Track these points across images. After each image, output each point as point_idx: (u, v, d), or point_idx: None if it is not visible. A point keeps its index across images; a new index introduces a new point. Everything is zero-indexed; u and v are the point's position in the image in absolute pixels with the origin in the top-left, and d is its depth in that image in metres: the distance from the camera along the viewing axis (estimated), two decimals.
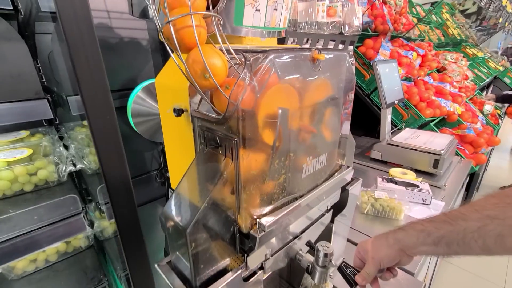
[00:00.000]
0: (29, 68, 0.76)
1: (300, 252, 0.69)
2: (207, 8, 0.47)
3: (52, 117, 0.82)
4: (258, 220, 0.51)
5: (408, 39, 2.76)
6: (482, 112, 2.83)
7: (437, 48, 3.44)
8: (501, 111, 3.26)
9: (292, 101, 0.51)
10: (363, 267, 0.60)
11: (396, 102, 1.84)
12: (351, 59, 0.65)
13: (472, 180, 2.16)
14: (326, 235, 0.80)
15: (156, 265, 0.56)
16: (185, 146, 0.57)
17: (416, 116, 2.04)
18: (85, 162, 0.93)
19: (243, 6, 0.54)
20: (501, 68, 4.64)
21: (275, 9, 0.59)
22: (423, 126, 2.11)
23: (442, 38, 3.68)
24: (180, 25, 0.41)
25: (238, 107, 0.41)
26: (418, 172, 1.59)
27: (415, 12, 3.23)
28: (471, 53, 4.14)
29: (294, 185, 0.58)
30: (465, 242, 0.47)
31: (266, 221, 0.51)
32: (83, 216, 0.91)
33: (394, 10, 2.63)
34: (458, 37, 3.99)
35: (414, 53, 2.49)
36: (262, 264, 0.59)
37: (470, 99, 3.02)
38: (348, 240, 1.08)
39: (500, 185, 3.46)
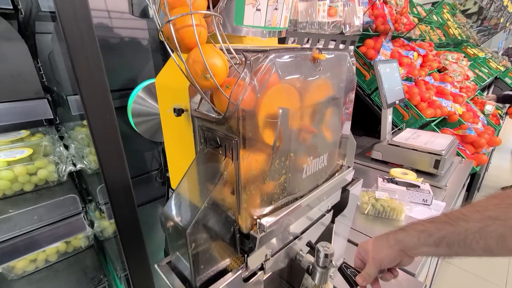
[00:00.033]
0: (29, 67, 0.76)
1: (301, 252, 0.69)
2: (208, 8, 0.47)
3: (52, 117, 0.82)
4: (258, 220, 0.51)
5: (409, 39, 2.76)
6: (483, 112, 2.83)
7: (438, 48, 3.44)
8: (502, 112, 3.25)
9: (293, 101, 0.51)
10: (363, 267, 0.60)
11: (397, 102, 1.84)
12: (352, 59, 0.65)
13: (473, 181, 2.15)
14: (326, 236, 0.80)
15: (156, 266, 0.56)
16: (185, 146, 0.57)
17: (417, 116, 2.04)
18: (85, 162, 0.93)
19: (244, 5, 0.54)
20: (502, 68, 4.63)
21: (276, 9, 0.59)
22: (424, 126, 2.11)
23: (443, 38, 3.68)
24: (180, 25, 0.41)
25: (238, 107, 0.41)
26: (419, 172, 1.59)
27: (416, 12, 3.22)
28: (472, 53, 4.13)
29: (294, 186, 0.57)
30: (466, 243, 0.46)
31: (266, 221, 0.51)
32: (83, 216, 0.90)
33: (395, 10, 2.63)
34: (459, 37, 3.98)
35: (415, 53, 2.49)
36: (262, 264, 0.58)
37: (471, 99, 3.01)
38: (349, 241, 1.08)
39: (501, 185, 3.46)
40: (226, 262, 0.53)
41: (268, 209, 0.53)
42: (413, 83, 2.42)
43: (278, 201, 0.55)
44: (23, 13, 0.83)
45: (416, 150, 1.61)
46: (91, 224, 1.05)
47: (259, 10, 0.56)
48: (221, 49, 0.45)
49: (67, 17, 0.47)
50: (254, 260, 0.55)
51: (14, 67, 0.74)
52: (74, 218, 0.88)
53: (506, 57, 5.87)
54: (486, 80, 3.74)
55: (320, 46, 0.54)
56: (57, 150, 0.92)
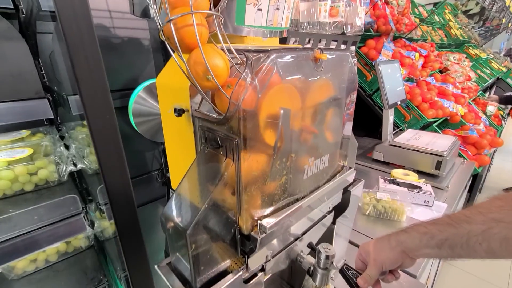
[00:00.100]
0: (29, 67, 0.76)
1: (301, 254, 0.68)
2: (209, 8, 0.47)
3: (53, 117, 0.82)
4: (259, 221, 0.51)
5: (411, 39, 2.75)
6: (485, 113, 2.82)
7: (440, 48, 3.43)
8: (504, 112, 3.24)
9: (294, 102, 0.51)
10: (365, 269, 0.60)
11: (398, 103, 1.83)
12: (353, 59, 0.64)
13: (475, 182, 2.14)
14: (327, 237, 0.80)
15: (156, 266, 0.56)
16: (185, 147, 0.57)
17: (418, 117, 2.03)
18: (85, 162, 0.93)
19: (245, 5, 0.54)
20: (504, 69, 4.62)
21: (277, 9, 0.59)
22: (425, 127, 2.10)
23: (445, 38, 3.67)
24: (181, 24, 0.41)
25: (239, 107, 0.41)
26: (420, 173, 1.58)
27: (417, 13, 3.22)
28: (474, 54, 4.12)
29: (295, 186, 0.57)
30: (469, 245, 0.46)
31: (267, 222, 0.50)
32: (83, 216, 0.90)
33: (397, 10, 2.62)
34: (461, 38, 3.98)
35: (417, 54, 2.48)
36: (263, 265, 0.58)
37: (473, 100, 3.00)
38: (350, 242, 1.08)
39: (503, 186, 3.44)
40: (226, 263, 0.53)
41: (269, 210, 0.53)
42: (415, 83, 2.42)
43: (279, 202, 0.55)
44: (24, 13, 0.83)
45: (418, 151, 1.61)
46: (92, 224, 1.05)
47: (261, 10, 0.56)
48: (222, 49, 0.44)
49: (67, 17, 0.47)
50: (254, 261, 0.55)
51: (14, 66, 0.74)
52: (75, 218, 0.88)
53: (508, 57, 5.85)
54: (488, 81, 3.73)
55: (322, 46, 0.54)
56: (57, 150, 0.91)
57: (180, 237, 0.46)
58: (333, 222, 0.79)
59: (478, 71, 3.75)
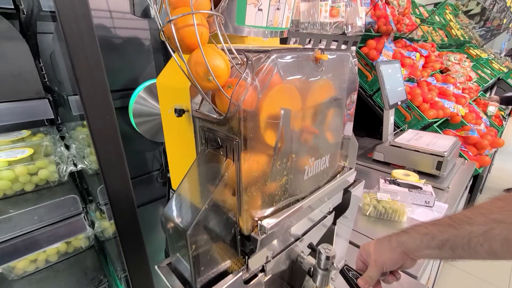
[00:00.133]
0: (30, 67, 0.76)
1: (302, 254, 0.68)
2: (210, 8, 0.47)
3: (53, 117, 0.81)
4: (259, 222, 0.51)
5: (411, 39, 2.75)
6: (485, 114, 2.81)
7: (441, 49, 3.43)
8: (505, 113, 3.24)
9: (295, 102, 0.50)
10: (365, 270, 0.59)
11: (399, 103, 1.83)
12: (354, 59, 0.64)
13: (476, 182, 2.14)
14: (328, 237, 0.80)
15: (156, 267, 0.56)
16: (186, 147, 0.57)
17: (419, 117, 2.03)
18: (86, 162, 0.93)
19: (245, 5, 0.54)
20: (505, 69, 4.61)
21: (278, 9, 0.59)
22: (426, 128, 2.10)
23: (446, 39, 3.67)
24: (181, 24, 0.41)
25: (239, 107, 0.41)
26: (421, 173, 1.58)
27: (418, 13, 3.22)
28: (475, 54, 4.12)
29: (296, 187, 0.57)
30: (470, 246, 0.46)
31: (267, 223, 0.50)
32: (84, 217, 0.90)
33: (397, 10, 2.62)
34: (462, 38, 3.97)
35: (417, 54, 2.48)
36: (263, 266, 0.58)
37: (474, 101, 3.00)
38: (350, 242, 1.07)
39: (504, 187, 3.43)
40: (226, 264, 0.53)
41: (269, 210, 0.53)
42: (415, 84, 2.41)
43: (280, 202, 0.54)
44: (25, 13, 0.83)
45: (418, 151, 1.60)
46: (92, 225, 1.05)
47: (261, 10, 0.56)
48: (223, 49, 0.44)
49: (67, 17, 0.47)
50: (255, 262, 0.54)
51: (15, 66, 0.74)
52: (75, 219, 0.88)
53: (509, 58, 5.84)
54: (488, 81, 3.72)
55: (322, 47, 0.54)
56: (58, 150, 0.91)
57: (180, 238, 0.46)
58: (334, 223, 0.79)
59: (479, 72, 3.74)
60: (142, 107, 0.91)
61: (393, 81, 1.79)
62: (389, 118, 1.82)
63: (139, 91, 0.89)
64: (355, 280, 0.60)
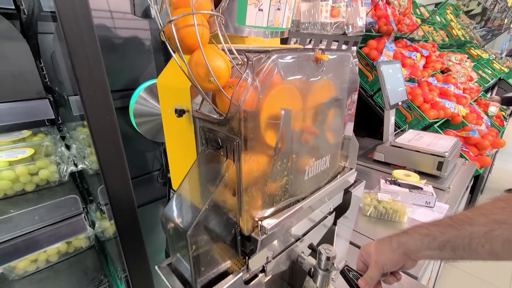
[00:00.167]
0: (30, 67, 0.76)
1: (302, 255, 0.68)
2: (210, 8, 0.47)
3: (54, 117, 0.82)
4: (259, 222, 0.50)
5: (412, 40, 2.75)
6: (486, 114, 2.81)
7: (441, 49, 3.42)
8: (506, 113, 3.23)
9: (295, 102, 0.50)
10: (366, 270, 0.59)
11: (400, 103, 1.83)
12: (355, 59, 0.64)
13: (477, 183, 2.13)
14: (328, 238, 0.79)
15: (156, 267, 0.56)
16: (186, 147, 0.57)
17: (419, 118, 2.03)
18: (86, 162, 0.93)
19: (246, 5, 0.54)
20: (506, 70, 4.60)
21: (278, 9, 0.59)
22: (426, 128, 2.10)
23: (446, 39, 3.66)
24: (182, 25, 0.41)
25: (240, 108, 0.41)
26: (422, 174, 1.58)
27: (419, 13, 3.21)
28: (476, 54, 4.11)
29: (296, 187, 0.57)
30: (471, 247, 0.46)
31: (268, 223, 0.50)
32: (84, 217, 0.90)
33: (398, 10, 2.62)
34: (463, 38, 3.96)
35: (418, 54, 2.48)
36: (263, 267, 0.58)
37: (475, 101, 2.99)
38: (351, 243, 1.07)
39: (505, 187, 3.43)
40: (227, 264, 0.53)
41: (269, 211, 0.53)
42: (416, 84, 2.41)
43: (280, 203, 0.54)
44: (26, 13, 0.83)
45: (419, 151, 1.60)
46: (92, 225, 1.05)
47: (262, 10, 0.56)
48: (223, 50, 0.44)
49: (67, 17, 0.47)
50: (255, 262, 0.54)
51: (15, 67, 0.74)
52: (75, 219, 0.88)
53: (510, 58, 5.83)
54: (489, 82, 3.71)
55: (323, 47, 0.54)
56: (58, 150, 0.91)
57: (181, 238, 0.46)
58: (334, 223, 0.79)
59: (480, 72, 3.73)
60: (143, 107, 0.91)
61: (393, 81, 1.78)
62: (390, 118, 1.82)
63: (140, 91, 0.89)
64: (355, 280, 0.60)
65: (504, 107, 3.20)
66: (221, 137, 0.46)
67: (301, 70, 0.49)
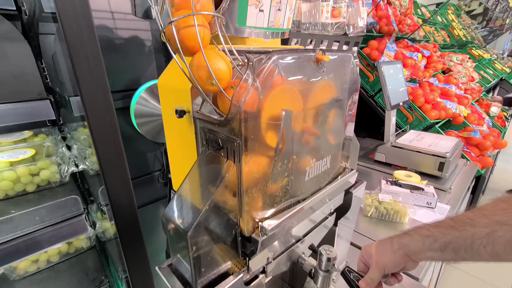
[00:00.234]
0: (31, 68, 0.76)
1: (303, 255, 0.68)
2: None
3: (55, 118, 0.82)
4: (260, 223, 0.50)
5: (413, 40, 2.74)
6: (488, 114, 2.80)
7: (443, 49, 3.41)
8: (507, 113, 3.22)
9: (296, 103, 0.50)
10: (367, 271, 0.59)
11: (401, 103, 1.82)
12: (356, 60, 0.64)
13: (478, 183, 2.13)
14: (329, 238, 0.79)
15: (156, 268, 0.56)
16: (187, 148, 0.57)
17: (421, 118, 2.02)
18: (87, 163, 0.93)
19: (246, 6, 0.54)
20: (508, 70, 4.59)
21: (279, 10, 0.59)
22: (428, 128, 2.09)
23: (448, 39, 3.65)
24: (182, 26, 0.41)
25: (240, 108, 0.41)
26: (423, 174, 1.57)
27: (420, 13, 3.20)
28: (477, 54, 4.10)
29: (297, 188, 0.57)
30: (473, 248, 0.45)
31: (268, 224, 0.50)
32: (85, 217, 0.90)
33: (399, 11, 2.61)
34: (464, 38, 3.95)
35: (419, 54, 2.47)
36: (264, 267, 0.58)
37: (476, 101, 2.98)
38: (352, 244, 1.07)
39: (507, 188, 3.42)
40: (227, 265, 0.53)
41: (270, 211, 0.53)
42: (417, 84, 2.40)
43: (280, 203, 0.54)
44: (27, 14, 0.84)
45: (420, 152, 1.60)
46: (93, 225, 1.05)
47: (262, 11, 0.56)
48: (224, 51, 0.44)
49: (67, 17, 0.47)
50: (255, 263, 0.54)
51: (16, 67, 0.74)
52: (76, 219, 0.88)
53: None
54: (491, 82, 3.70)
55: (324, 47, 0.53)
56: (59, 150, 0.92)
57: (181, 239, 0.46)
58: (335, 224, 0.79)
59: (481, 72, 3.72)
60: (144, 108, 0.91)
61: (394, 82, 1.78)
62: (391, 119, 1.81)
63: (141, 92, 0.89)
64: (356, 282, 0.60)
65: (506, 107, 3.18)
66: (221, 138, 0.46)
67: (301, 71, 0.49)
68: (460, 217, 0.49)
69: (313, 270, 0.65)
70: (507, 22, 4.49)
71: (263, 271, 0.58)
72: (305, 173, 0.58)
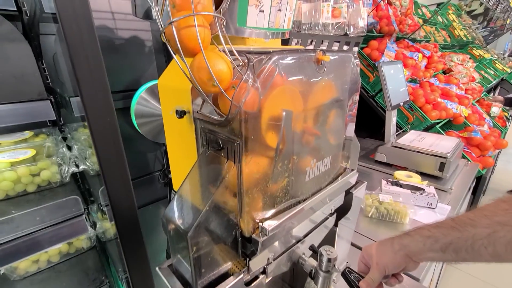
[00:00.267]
0: (32, 69, 0.76)
1: (303, 256, 0.68)
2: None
3: (55, 118, 0.82)
4: (260, 224, 0.50)
5: (414, 40, 2.74)
6: (489, 115, 2.79)
7: (443, 49, 3.41)
8: (508, 114, 3.21)
9: (296, 103, 0.50)
10: (367, 272, 0.59)
11: (401, 104, 1.82)
12: (356, 60, 0.64)
13: (479, 184, 2.12)
14: (329, 239, 0.79)
15: (157, 268, 0.56)
16: (187, 148, 0.56)
17: (421, 118, 2.02)
18: (87, 163, 0.93)
19: (247, 6, 0.54)
20: (508, 70, 4.58)
21: (279, 10, 0.59)
22: (428, 129, 2.09)
23: (448, 39, 3.65)
24: (183, 27, 0.41)
25: (241, 109, 0.41)
26: (424, 175, 1.57)
27: (420, 13, 3.20)
28: (478, 54, 4.09)
29: (297, 189, 0.57)
30: (474, 249, 0.45)
31: (268, 225, 0.50)
32: (85, 218, 0.90)
33: (400, 11, 2.61)
34: (465, 39, 3.95)
35: (420, 55, 2.47)
36: (264, 268, 0.58)
37: (477, 101, 2.98)
38: (352, 244, 1.07)
39: (508, 188, 3.41)
40: (227, 266, 0.53)
41: (270, 212, 0.52)
42: (418, 84, 2.40)
43: (281, 204, 0.54)
44: (28, 15, 0.84)
45: (421, 152, 1.59)
46: (93, 225, 1.05)
47: (263, 11, 0.56)
48: (224, 51, 0.44)
49: (67, 17, 0.47)
50: (256, 264, 0.54)
51: (17, 68, 0.74)
52: (76, 219, 0.88)
53: None
54: (492, 82, 3.70)
55: (324, 48, 0.53)
56: (60, 151, 0.92)
57: (181, 240, 0.46)
58: (335, 224, 0.79)
59: (482, 72, 3.72)
60: (144, 108, 0.91)
61: (395, 82, 1.78)
62: (392, 119, 1.81)
63: (141, 92, 0.89)
64: (357, 282, 0.60)
65: (507, 107, 3.18)
66: (222, 138, 0.46)
67: (302, 71, 0.49)
68: (461, 218, 0.49)
69: (313, 271, 0.65)
70: (508, 22, 4.48)
71: (264, 272, 0.58)
72: (306, 174, 0.58)
